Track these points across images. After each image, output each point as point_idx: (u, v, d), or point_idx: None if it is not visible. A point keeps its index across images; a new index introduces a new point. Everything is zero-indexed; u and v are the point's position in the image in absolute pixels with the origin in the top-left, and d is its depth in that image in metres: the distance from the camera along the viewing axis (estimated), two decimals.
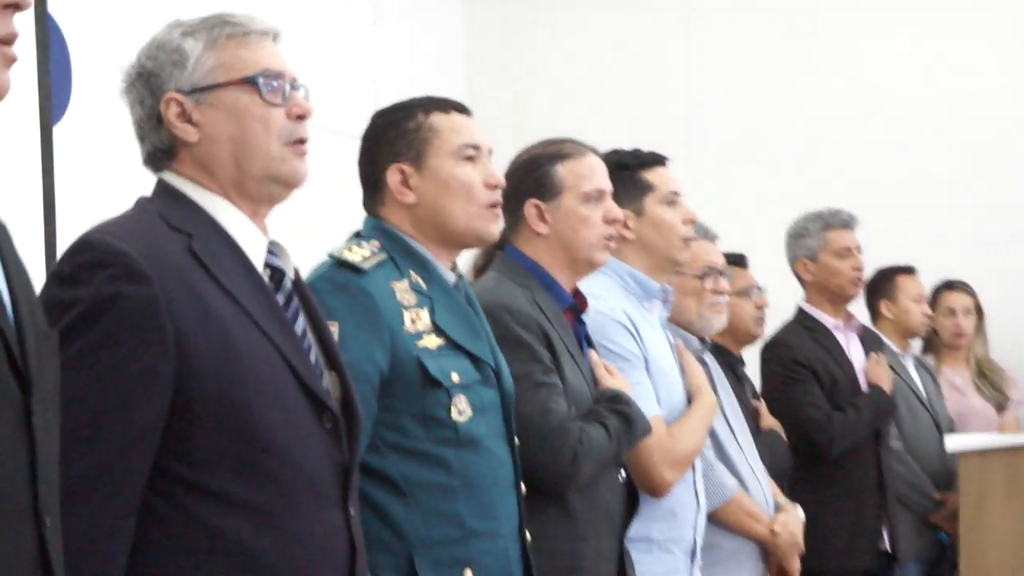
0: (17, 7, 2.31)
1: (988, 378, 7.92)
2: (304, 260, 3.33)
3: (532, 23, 9.60)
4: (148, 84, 3.03)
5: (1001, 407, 7.81)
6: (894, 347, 6.87)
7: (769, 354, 6.27)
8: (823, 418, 6.01)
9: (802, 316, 6.37)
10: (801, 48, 9.22)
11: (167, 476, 2.83)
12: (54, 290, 2.84)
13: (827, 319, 6.35)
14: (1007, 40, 9.19)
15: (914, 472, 6.45)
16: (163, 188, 3.05)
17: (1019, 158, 8.63)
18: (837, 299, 6.39)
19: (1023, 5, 9.08)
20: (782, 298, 6.49)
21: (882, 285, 7.11)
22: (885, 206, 7.95)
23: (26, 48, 5.89)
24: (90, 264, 2.82)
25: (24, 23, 5.88)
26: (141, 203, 3.02)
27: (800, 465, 5.88)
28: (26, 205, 5.65)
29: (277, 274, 3.08)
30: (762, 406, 5.84)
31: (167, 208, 2.99)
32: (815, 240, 6.36)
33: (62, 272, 2.88)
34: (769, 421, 5.77)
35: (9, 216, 2.50)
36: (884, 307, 7.10)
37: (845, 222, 6.37)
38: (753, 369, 6.26)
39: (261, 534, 2.87)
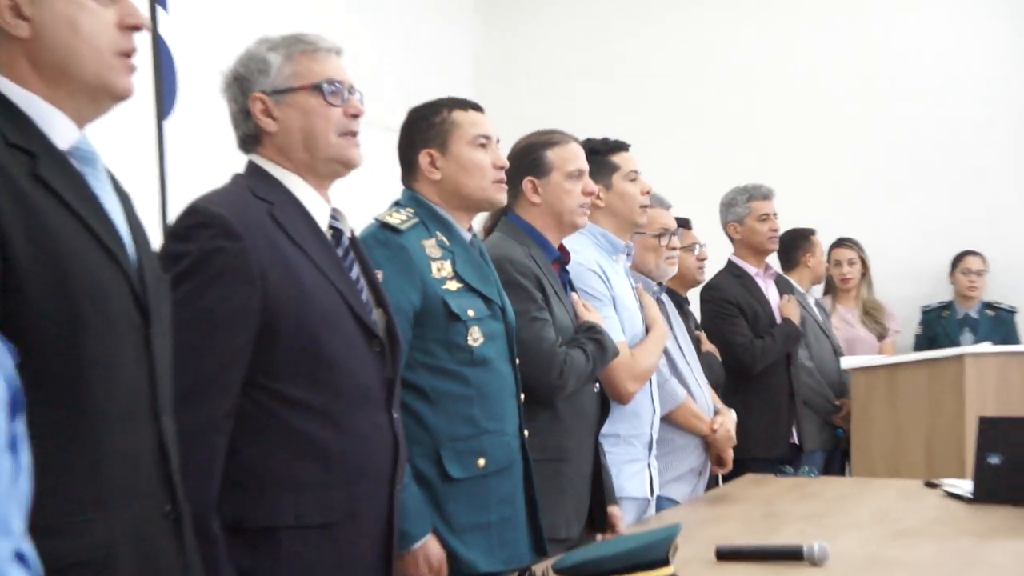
0: (136, 28, 2.39)
1: (871, 314, 7.90)
2: (357, 222, 3.33)
3: (525, 41, 9.34)
4: (240, 86, 3.07)
5: (881, 336, 7.81)
6: (801, 289, 6.79)
7: (707, 295, 6.29)
8: (747, 343, 6.03)
9: (732, 266, 6.39)
10: (738, 66, 8.91)
11: (255, 386, 2.87)
12: (169, 245, 2.87)
13: (751, 268, 6.36)
14: (900, 35, 8.75)
15: (818, 383, 6.41)
16: (251, 167, 3.09)
17: (899, 141, 8.44)
18: (758, 253, 6.40)
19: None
20: (717, 252, 6.36)
21: (802, 243, 7.01)
22: (794, 180, 7.82)
23: (143, 59, 5.78)
24: (196, 225, 2.86)
25: (140, 40, 5.76)
26: (235, 178, 3.08)
27: (731, 378, 5.82)
28: (144, 181, 5.61)
29: (337, 233, 3.13)
30: (702, 334, 5.85)
31: (254, 182, 3.03)
32: (742, 208, 6.37)
33: (175, 232, 2.92)
34: (708, 346, 5.77)
35: (131, 190, 2.57)
36: (807, 259, 7.00)
37: (764, 194, 6.39)
38: (695, 306, 6.15)
39: (326, 429, 2.93)
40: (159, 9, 5.95)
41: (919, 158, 8.57)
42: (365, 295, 3.08)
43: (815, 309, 7.01)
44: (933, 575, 3.46)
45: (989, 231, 8.41)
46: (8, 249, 2.06)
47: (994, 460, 4.69)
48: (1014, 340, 7.98)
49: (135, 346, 2.28)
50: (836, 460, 6.67)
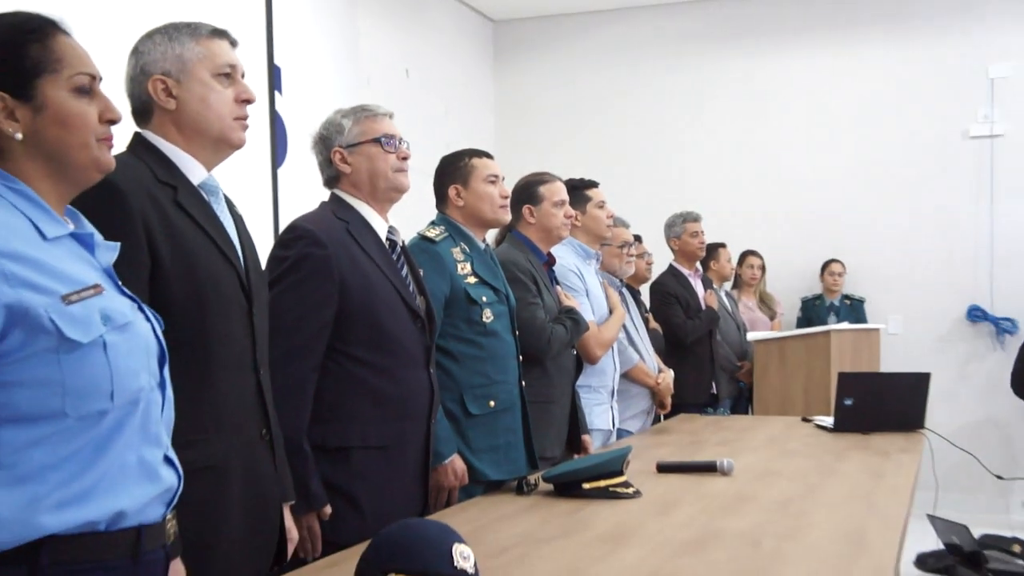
0: (249, 101, 2.40)
1: (766, 302, 7.87)
2: (407, 234, 3.32)
3: (531, 100, 9.20)
4: (324, 143, 3.08)
5: (773, 317, 7.78)
6: (717, 286, 6.72)
7: (654, 289, 6.22)
8: (682, 323, 5.98)
9: (672, 269, 6.32)
10: (677, 127, 8.83)
11: (333, 350, 2.87)
12: (276, 251, 2.93)
13: (685, 271, 6.28)
14: (788, 108, 8.65)
15: (728, 352, 6.32)
16: (333, 197, 3.09)
17: (786, 182, 8.40)
18: (691, 260, 6.34)
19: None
20: (660, 259, 6.31)
21: (713, 253, 6.95)
22: (717, 208, 7.72)
23: (263, 126, 5.77)
24: (294, 237, 2.89)
25: (261, 112, 5.74)
26: (323, 205, 3.08)
27: (670, 348, 5.77)
28: (263, 208, 5.60)
29: (392, 243, 3.11)
30: (650, 316, 5.78)
31: (335, 207, 3.04)
32: (679, 228, 6.31)
33: (280, 242, 2.96)
34: (653, 324, 5.73)
35: (250, 218, 2.61)
36: (714, 267, 6.96)
37: (695, 218, 6.32)
38: (645, 297, 6.10)
39: (382, 380, 2.92)
40: (276, 93, 5.98)
41: (800, 195, 8.49)
42: (411, 286, 3.06)
43: (726, 299, 6.97)
44: (804, 479, 3.45)
45: (846, 246, 8.38)
46: (156, 253, 2.13)
47: (848, 402, 4.67)
48: (863, 320, 7.91)
49: (242, 320, 2.29)
50: (741, 404, 6.63)
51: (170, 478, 1.77)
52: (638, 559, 2.39)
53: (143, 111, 2.32)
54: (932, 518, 5.76)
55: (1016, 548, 5.40)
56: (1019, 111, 7.97)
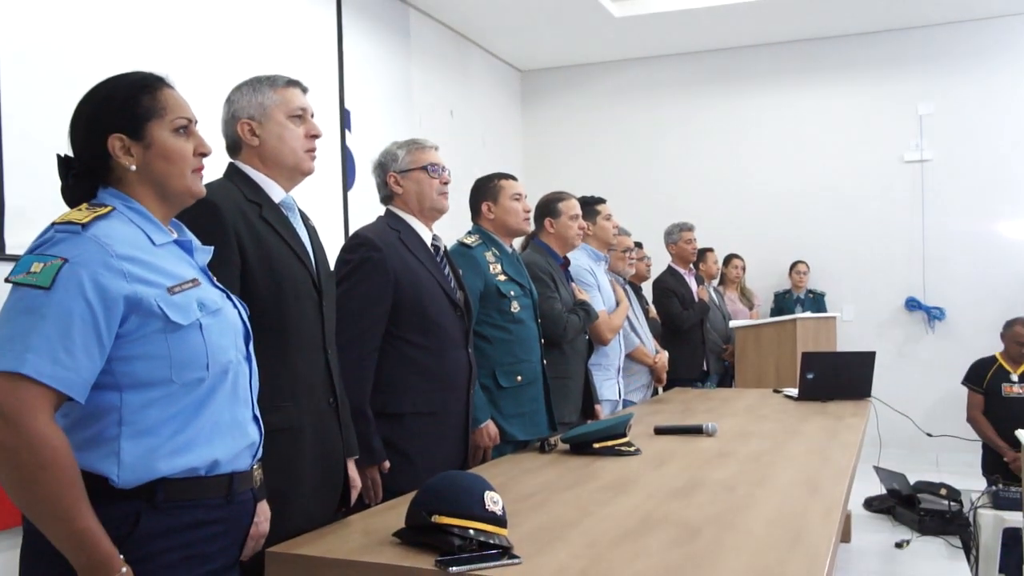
0: (316, 136, 2.41)
1: (746, 296, 7.80)
2: (448, 241, 3.27)
3: (551, 134, 9.26)
4: (382, 169, 3.07)
5: (751, 308, 7.68)
6: (706, 283, 6.67)
7: (656, 286, 6.17)
8: (679, 314, 5.94)
9: (670, 269, 6.25)
10: (676, 152, 8.90)
11: (389, 335, 2.86)
12: (342, 255, 2.89)
13: (681, 270, 6.22)
14: (768, 133, 8.70)
15: (715, 336, 6.26)
16: (388, 212, 3.07)
17: (762, 196, 8.54)
18: (685, 262, 6.26)
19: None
20: (659, 262, 6.28)
21: (702, 256, 6.91)
22: (707, 218, 7.73)
23: (333, 154, 5.80)
24: (357, 244, 2.89)
25: (333, 143, 5.74)
26: (379, 219, 3.05)
27: (667, 334, 5.74)
28: (335, 223, 5.68)
29: (436, 248, 3.06)
30: (651, 308, 5.72)
31: (390, 220, 3.02)
32: (676, 235, 6.25)
33: (345, 247, 2.92)
34: (652, 314, 5.65)
35: (325, 230, 2.60)
36: (704, 267, 6.92)
37: (689, 227, 6.26)
38: (647, 293, 6.06)
39: (429, 358, 2.90)
40: (347, 131, 6.00)
41: (772, 208, 8.53)
42: (452, 282, 3.04)
43: (714, 294, 6.91)
44: (773, 438, 3.41)
45: (810, 250, 8.41)
46: (245, 256, 2.15)
47: (810, 376, 4.63)
48: (823, 310, 7.91)
49: (313, 310, 2.28)
50: (726, 379, 6.55)
51: (254, 433, 1.82)
52: (637, 503, 2.37)
53: (234, 146, 2.35)
54: (877, 469, 5.79)
55: (942, 492, 5.42)
56: (943, 141, 8.17)
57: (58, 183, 1.73)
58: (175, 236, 1.77)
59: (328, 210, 5.69)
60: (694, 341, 6.14)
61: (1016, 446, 5.28)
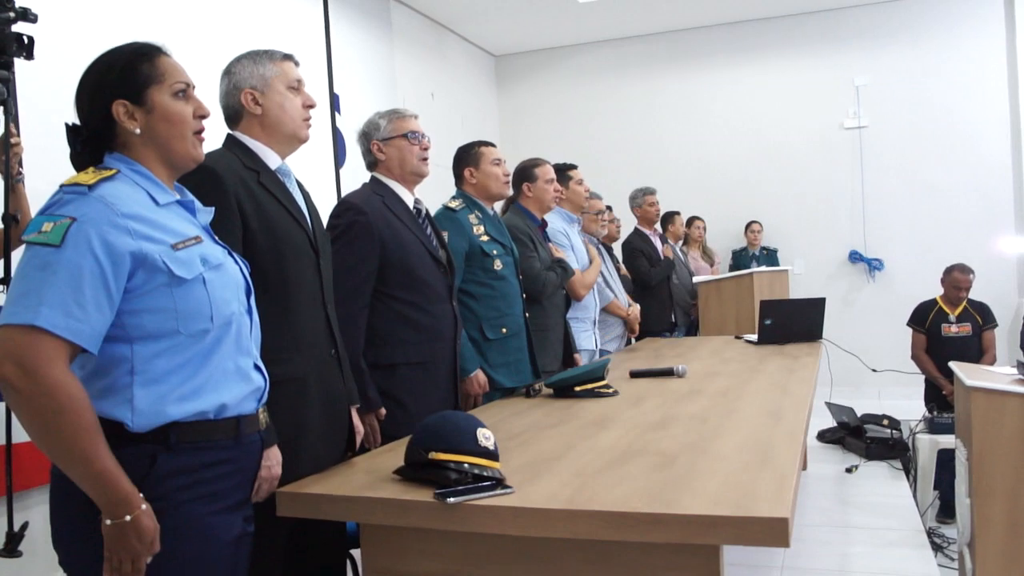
0: (311, 107, 2.34)
1: (707, 254, 7.83)
2: (432, 206, 3.20)
3: (524, 111, 9.19)
4: (365, 137, 2.99)
5: (712, 265, 7.70)
6: (672, 243, 6.62)
7: (625, 246, 6.08)
8: (647, 270, 5.86)
9: (637, 231, 6.16)
10: (650, 123, 8.86)
11: (379, 292, 2.78)
12: (330, 221, 2.78)
13: (648, 231, 6.12)
14: (754, 107, 8.68)
15: (682, 292, 6.22)
16: (373, 179, 2.98)
17: (721, 162, 8.56)
18: (650, 223, 6.17)
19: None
20: (627, 223, 6.22)
21: (669, 219, 6.89)
22: (673, 182, 7.77)
23: (325, 134, 5.72)
24: (343, 210, 2.81)
25: (324, 124, 5.64)
26: (364, 185, 2.96)
27: (637, 289, 5.69)
28: (328, 194, 5.51)
29: (418, 211, 2.97)
30: (622, 266, 5.66)
31: (374, 186, 2.93)
32: (640, 199, 6.17)
33: (335, 213, 2.83)
34: (624, 271, 5.60)
35: (320, 197, 2.52)
36: (671, 229, 6.90)
37: (652, 191, 6.17)
38: (617, 252, 6.01)
39: (418, 313, 2.83)
40: (336, 113, 5.91)
41: (728, 174, 8.57)
42: (434, 241, 2.94)
43: (680, 253, 6.86)
44: (738, 377, 3.40)
45: (763, 210, 8.42)
46: (246, 219, 2.08)
47: (768, 322, 4.62)
48: (776, 264, 7.96)
49: (311, 268, 2.22)
50: (692, 331, 6.52)
51: (258, 380, 1.78)
52: (617, 436, 2.34)
53: (234, 116, 2.28)
54: (828, 404, 5.87)
55: (885, 422, 5.54)
56: (878, 109, 8.25)
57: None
58: (178, 197, 1.72)
59: (321, 186, 5.60)
60: (662, 296, 6.08)
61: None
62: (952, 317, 6.06)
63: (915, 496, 4.88)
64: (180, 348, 1.60)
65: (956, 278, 6.04)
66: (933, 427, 5.30)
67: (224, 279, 1.69)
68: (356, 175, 4.91)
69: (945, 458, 5.03)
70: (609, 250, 5.60)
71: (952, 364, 3.56)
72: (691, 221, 7.80)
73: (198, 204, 1.76)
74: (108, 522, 1.49)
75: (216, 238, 1.78)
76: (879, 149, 8.18)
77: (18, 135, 2.65)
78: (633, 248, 6.09)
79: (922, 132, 8.05)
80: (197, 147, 1.74)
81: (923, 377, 6.12)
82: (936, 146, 8.02)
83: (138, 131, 1.65)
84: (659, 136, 8.81)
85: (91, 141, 1.66)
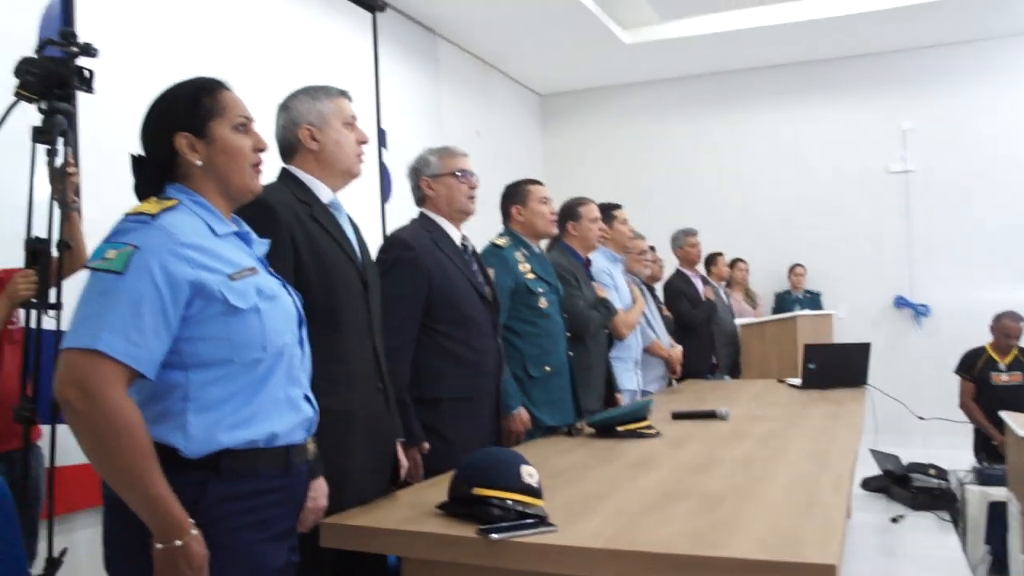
0: (365, 142, 2.38)
1: (750, 296, 7.79)
2: (478, 243, 3.21)
3: (569, 150, 9.28)
4: (415, 173, 3.01)
5: (755, 307, 7.64)
6: (715, 284, 6.58)
7: (667, 287, 6.04)
8: (688, 312, 5.79)
9: (678, 272, 6.13)
10: (686, 167, 8.93)
11: (425, 327, 2.77)
12: (380, 254, 2.77)
13: (689, 272, 6.08)
14: (772, 154, 8.71)
15: (725, 334, 6.16)
16: (421, 215, 2.99)
17: (764, 207, 8.59)
18: (692, 264, 6.12)
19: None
20: (669, 264, 6.21)
21: (712, 260, 6.88)
22: (715, 226, 7.71)
23: (372, 170, 5.79)
24: (393, 244, 2.83)
25: (371, 159, 5.72)
26: (413, 221, 2.98)
27: (679, 330, 5.64)
28: (374, 227, 5.55)
29: (465, 247, 2.98)
30: (663, 306, 5.61)
31: (422, 222, 2.95)
32: (681, 240, 6.13)
33: (383, 247, 2.84)
34: (666, 312, 5.55)
35: (368, 230, 2.50)
36: (715, 270, 6.87)
37: (693, 232, 6.13)
38: (659, 293, 5.98)
39: (463, 348, 2.82)
40: (383, 149, 5.99)
41: (773, 216, 8.55)
42: (480, 277, 2.96)
43: (723, 294, 6.84)
44: (780, 422, 3.35)
45: (807, 254, 8.40)
46: (298, 251, 2.12)
47: (812, 366, 4.57)
48: (820, 308, 7.90)
49: (360, 301, 2.24)
50: (736, 371, 6.46)
51: (308, 410, 1.79)
52: (660, 477, 2.32)
53: (289, 150, 2.32)
54: (873, 451, 5.76)
55: (932, 471, 5.42)
56: (925, 153, 8.26)
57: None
58: (235, 229, 1.75)
59: (367, 220, 5.65)
60: (704, 337, 6.05)
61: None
62: (1002, 365, 5.95)
63: (964, 550, 4.77)
64: (233, 376, 1.62)
65: (1006, 325, 5.95)
66: (983, 478, 5.18)
67: (278, 310, 1.71)
68: (402, 210, 4.97)
69: (997, 511, 4.93)
70: (652, 290, 5.59)
71: (1003, 414, 3.50)
72: (734, 263, 7.78)
73: (254, 236, 1.79)
74: (159, 546, 1.50)
75: (271, 269, 1.80)
76: (926, 193, 8.15)
77: (76, 165, 2.73)
78: (675, 289, 6.06)
79: (969, 176, 8.00)
80: (255, 179, 1.77)
81: (971, 426, 6.01)
82: (983, 190, 7.96)
83: (199, 163, 1.69)
84: (704, 177, 8.83)
85: (154, 171, 1.70)
